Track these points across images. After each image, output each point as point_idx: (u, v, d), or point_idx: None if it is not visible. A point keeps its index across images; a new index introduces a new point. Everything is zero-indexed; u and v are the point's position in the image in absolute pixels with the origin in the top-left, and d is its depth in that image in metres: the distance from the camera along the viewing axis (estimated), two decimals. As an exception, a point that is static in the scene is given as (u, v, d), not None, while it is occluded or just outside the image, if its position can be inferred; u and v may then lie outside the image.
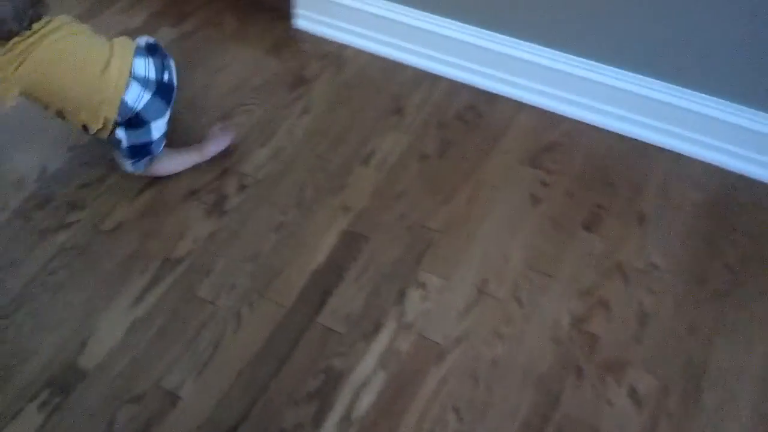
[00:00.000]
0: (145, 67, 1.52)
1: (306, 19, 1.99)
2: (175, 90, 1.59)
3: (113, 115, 1.50)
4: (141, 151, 1.57)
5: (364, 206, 1.60)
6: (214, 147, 1.67)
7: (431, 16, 1.81)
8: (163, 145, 1.61)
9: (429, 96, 1.83)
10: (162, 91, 1.54)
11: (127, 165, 1.61)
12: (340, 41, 1.96)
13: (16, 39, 1.41)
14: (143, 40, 1.60)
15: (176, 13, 2.06)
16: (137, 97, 1.51)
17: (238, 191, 1.64)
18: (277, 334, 1.39)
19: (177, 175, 1.66)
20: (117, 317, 1.43)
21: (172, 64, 1.60)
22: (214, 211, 1.60)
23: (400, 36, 1.87)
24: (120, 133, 1.54)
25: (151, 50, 1.57)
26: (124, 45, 1.53)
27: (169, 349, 1.38)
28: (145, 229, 1.57)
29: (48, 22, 1.45)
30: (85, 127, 1.54)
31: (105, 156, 1.70)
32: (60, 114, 1.53)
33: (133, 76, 1.50)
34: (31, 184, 1.66)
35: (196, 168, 1.67)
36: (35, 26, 1.43)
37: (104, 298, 1.46)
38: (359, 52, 1.93)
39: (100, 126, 1.52)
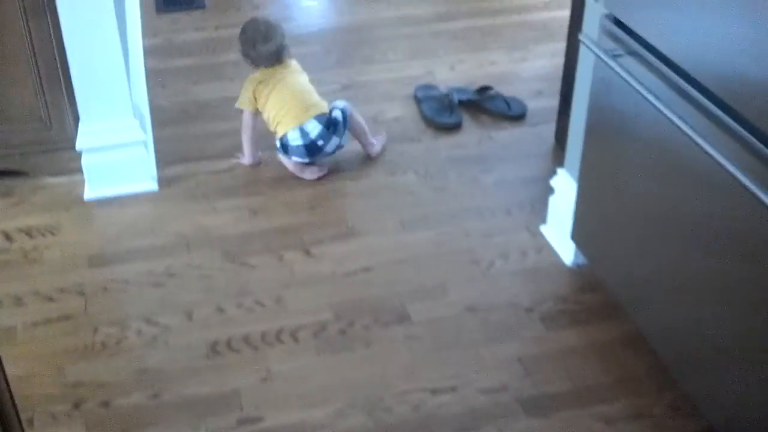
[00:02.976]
0: (313, 128, 2.25)
1: None
2: (328, 150, 2.30)
3: (280, 135, 2.30)
4: (285, 148, 2.31)
5: None
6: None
7: None
8: (302, 158, 2.30)
9: None
10: (309, 147, 2.27)
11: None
12: None
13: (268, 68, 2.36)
14: (339, 104, 2.31)
15: (615, 394, 1.66)
16: (294, 138, 2.26)
17: None
18: None
19: None
20: None
21: (335, 139, 2.28)
22: None
23: None
24: (278, 146, 2.34)
25: (332, 123, 2.27)
26: (317, 106, 2.30)
27: None
28: None
29: (289, 64, 2.37)
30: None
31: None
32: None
33: (299, 127, 2.25)
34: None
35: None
36: (280, 66, 2.36)
37: None
38: None
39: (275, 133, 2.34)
